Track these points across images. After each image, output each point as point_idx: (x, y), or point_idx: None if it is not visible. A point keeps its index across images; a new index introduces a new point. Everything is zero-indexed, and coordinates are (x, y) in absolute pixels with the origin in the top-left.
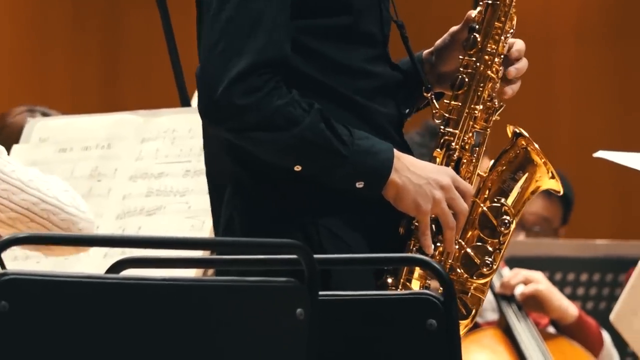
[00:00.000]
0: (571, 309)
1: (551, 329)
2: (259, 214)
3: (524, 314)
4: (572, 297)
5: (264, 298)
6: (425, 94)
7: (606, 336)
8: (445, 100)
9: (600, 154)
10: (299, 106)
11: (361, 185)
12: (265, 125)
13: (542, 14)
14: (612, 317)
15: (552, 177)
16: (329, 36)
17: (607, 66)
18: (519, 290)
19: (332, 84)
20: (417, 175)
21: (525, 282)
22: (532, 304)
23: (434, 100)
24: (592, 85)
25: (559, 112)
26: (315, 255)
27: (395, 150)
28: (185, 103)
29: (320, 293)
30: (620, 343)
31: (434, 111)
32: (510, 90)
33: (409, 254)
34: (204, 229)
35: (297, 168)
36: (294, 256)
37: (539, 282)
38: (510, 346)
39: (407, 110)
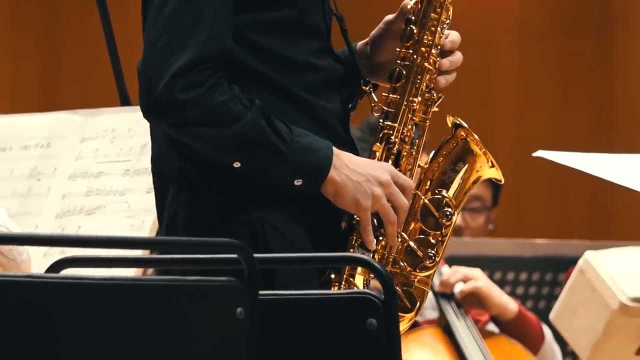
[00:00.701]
0: (511, 305)
1: (492, 326)
2: (203, 210)
3: (463, 312)
4: (511, 296)
5: (203, 297)
6: (363, 88)
7: (547, 331)
8: (383, 93)
9: (540, 153)
10: (240, 102)
11: (299, 183)
12: (206, 121)
13: (483, 12)
14: (552, 316)
15: (492, 166)
16: (273, 30)
17: (548, 65)
18: (458, 288)
19: (278, 79)
20: (356, 173)
21: (464, 280)
22: (471, 301)
23: (372, 94)
24: (532, 84)
25: (499, 111)
26: (256, 255)
27: (334, 148)
28: (125, 102)
29: (261, 292)
30: (559, 342)
31: (372, 105)
32: (444, 80)
33: (350, 254)
34: (144, 228)
35: (237, 164)
36: (234, 255)
37: (477, 279)
38: (450, 344)
39: (350, 105)
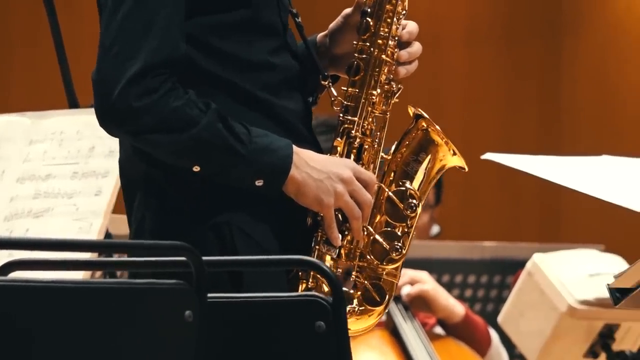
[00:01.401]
0: (458, 308)
1: (439, 329)
2: (170, 215)
3: (411, 314)
4: (459, 298)
5: (152, 300)
6: (322, 82)
7: (494, 334)
8: (342, 87)
9: (489, 156)
10: (196, 106)
11: (261, 184)
12: (162, 127)
13: (431, 15)
14: (500, 318)
15: (455, 154)
16: (229, 31)
17: (496, 68)
18: (405, 291)
19: (235, 81)
20: (317, 170)
21: (411, 283)
22: (419, 304)
23: (331, 88)
24: (481, 87)
25: (447, 113)
26: (204, 258)
27: (294, 146)
28: (74, 105)
29: (209, 295)
30: (507, 345)
31: (332, 99)
32: (404, 70)
33: (299, 257)
34: (92, 231)
35: (196, 168)
36: (183, 258)
37: (424, 282)
38: (398, 347)
39: (310, 99)
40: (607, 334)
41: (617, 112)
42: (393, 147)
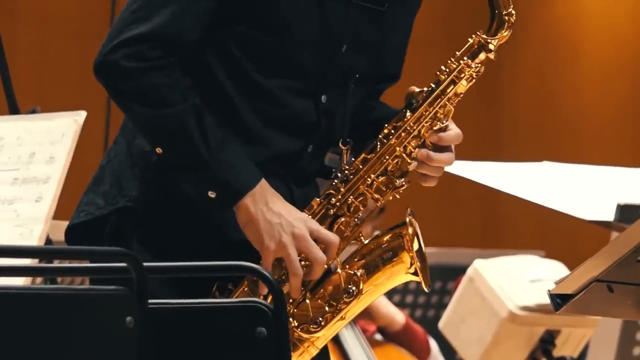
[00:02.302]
0: (398, 316)
1: (378, 337)
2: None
3: (352, 321)
4: (400, 305)
5: (92, 306)
6: (341, 146)
7: (433, 344)
8: (354, 160)
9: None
10: (180, 93)
11: (213, 196)
12: (139, 97)
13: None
14: (441, 324)
15: (414, 273)
16: (256, 48)
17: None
18: None
19: (236, 100)
20: (273, 213)
21: None
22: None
23: (345, 155)
24: None
25: None
26: (145, 264)
27: (263, 183)
28: (14, 111)
29: (150, 301)
30: (449, 351)
31: (341, 164)
32: (423, 171)
33: (241, 262)
34: (32, 237)
35: (158, 150)
36: (123, 264)
37: None
38: (338, 354)
39: (310, 149)
40: (547, 340)
41: (556, 117)
42: (373, 236)
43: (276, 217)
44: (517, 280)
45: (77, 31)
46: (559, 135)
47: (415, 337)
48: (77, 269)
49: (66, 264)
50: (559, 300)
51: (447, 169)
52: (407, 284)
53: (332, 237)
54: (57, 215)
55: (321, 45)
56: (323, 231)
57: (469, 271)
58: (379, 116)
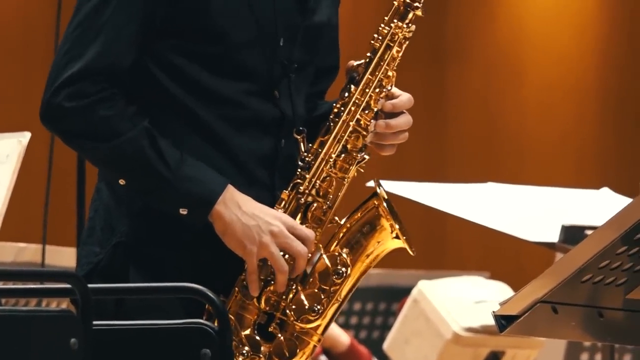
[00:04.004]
0: (343, 338)
1: (323, 358)
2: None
3: None
4: (345, 326)
5: (37, 327)
6: (295, 135)
7: None
8: (310, 144)
9: (373, 183)
10: (129, 121)
11: (185, 212)
12: (88, 133)
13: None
14: (385, 346)
15: (396, 237)
16: (202, 61)
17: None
18: None
19: (197, 111)
20: (248, 216)
21: None
22: None
23: (302, 143)
24: None
25: None
26: (90, 285)
27: (230, 188)
28: None
29: (95, 323)
30: None
31: (300, 154)
32: (376, 136)
33: (186, 284)
34: None
35: (122, 182)
36: (68, 286)
37: None
38: None
39: (282, 144)
40: None
41: (500, 139)
42: (348, 215)
43: (252, 220)
44: (462, 302)
45: (21, 52)
46: (504, 157)
47: (360, 358)
48: (21, 290)
49: (11, 286)
50: (504, 321)
51: (392, 190)
52: (351, 305)
53: (307, 231)
54: (2, 236)
55: (260, 42)
56: (298, 227)
57: (414, 292)
58: (326, 111)
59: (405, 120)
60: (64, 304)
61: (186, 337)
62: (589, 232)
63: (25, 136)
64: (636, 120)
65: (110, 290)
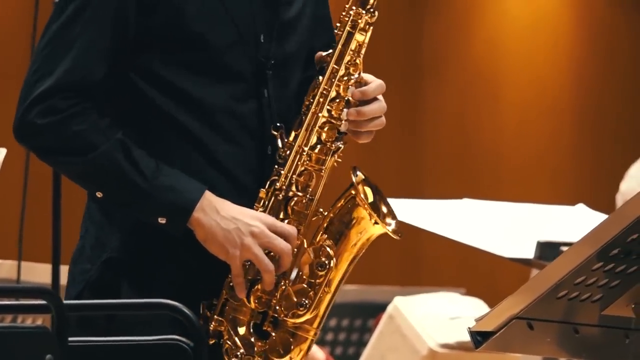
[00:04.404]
0: (318, 354)
1: None
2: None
3: None
4: (321, 342)
5: (13, 344)
6: (273, 132)
7: None
8: (286, 140)
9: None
10: (102, 134)
11: (164, 221)
12: (61, 148)
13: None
14: None
15: (376, 223)
16: (184, 69)
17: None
18: None
19: (182, 119)
20: (227, 220)
21: None
22: None
23: (279, 140)
24: None
25: None
26: (65, 302)
27: (208, 193)
28: None
29: (71, 339)
30: None
31: (277, 150)
32: (357, 125)
33: (160, 300)
34: None
35: (99, 195)
36: (44, 302)
37: None
38: None
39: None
40: None
41: (476, 155)
42: (331, 206)
43: (231, 223)
44: (437, 318)
45: None
46: (480, 173)
47: None
48: None
49: None
50: (479, 338)
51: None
52: (326, 321)
53: (288, 228)
54: None
55: (242, 42)
56: (279, 224)
57: (389, 308)
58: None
59: (377, 106)
60: (40, 320)
61: (162, 353)
62: (564, 248)
63: (1, 152)
64: (611, 138)
65: (85, 307)
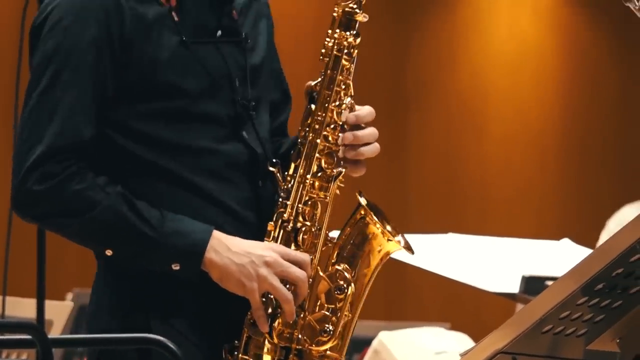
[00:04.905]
0: None
1: None
2: (106, 310)
3: None
4: None
5: None
6: (270, 168)
7: None
8: (285, 173)
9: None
10: (102, 190)
11: (177, 267)
12: (63, 211)
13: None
14: None
15: (389, 239)
16: (163, 119)
17: None
18: None
19: (170, 167)
20: (240, 255)
21: None
22: None
23: (278, 174)
24: None
25: None
26: (50, 336)
27: (216, 232)
28: None
29: None
30: None
31: (278, 185)
32: (353, 152)
33: (145, 335)
34: None
35: (109, 252)
36: (29, 337)
37: None
38: None
39: (260, 184)
40: None
41: (462, 189)
42: (339, 231)
43: (245, 257)
44: (423, 352)
45: None
46: (465, 207)
47: None
48: None
49: None
50: None
51: None
52: None
53: (302, 255)
54: None
55: (217, 87)
56: (292, 252)
57: (374, 343)
58: (291, 146)
59: (371, 131)
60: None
61: None
62: (549, 282)
63: None
64: (596, 173)
65: (70, 341)
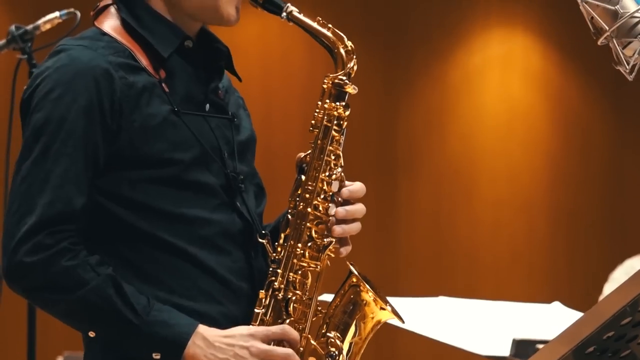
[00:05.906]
0: None
1: None
2: None
3: None
4: None
5: None
6: (260, 240)
7: None
8: (276, 243)
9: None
10: (91, 269)
11: (158, 357)
12: (50, 286)
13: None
14: None
15: (382, 308)
16: (155, 187)
17: None
18: None
19: (164, 236)
20: (222, 350)
21: None
22: None
23: (268, 245)
24: None
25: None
26: None
27: (200, 327)
28: None
29: None
30: None
31: (268, 256)
32: (340, 229)
33: None
34: None
35: (91, 334)
36: None
37: None
38: None
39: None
40: None
41: (452, 252)
42: (331, 300)
43: (228, 349)
44: None
45: None
46: (455, 271)
47: None
48: None
49: None
50: None
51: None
52: None
53: (282, 329)
54: None
55: (207, 158)
56: (271, 331)
57: None
58: (277, 224)
59: (361, 208)
60: None
61: None
62: (540, 346)
63: None
64: (586, 236)
65: None
